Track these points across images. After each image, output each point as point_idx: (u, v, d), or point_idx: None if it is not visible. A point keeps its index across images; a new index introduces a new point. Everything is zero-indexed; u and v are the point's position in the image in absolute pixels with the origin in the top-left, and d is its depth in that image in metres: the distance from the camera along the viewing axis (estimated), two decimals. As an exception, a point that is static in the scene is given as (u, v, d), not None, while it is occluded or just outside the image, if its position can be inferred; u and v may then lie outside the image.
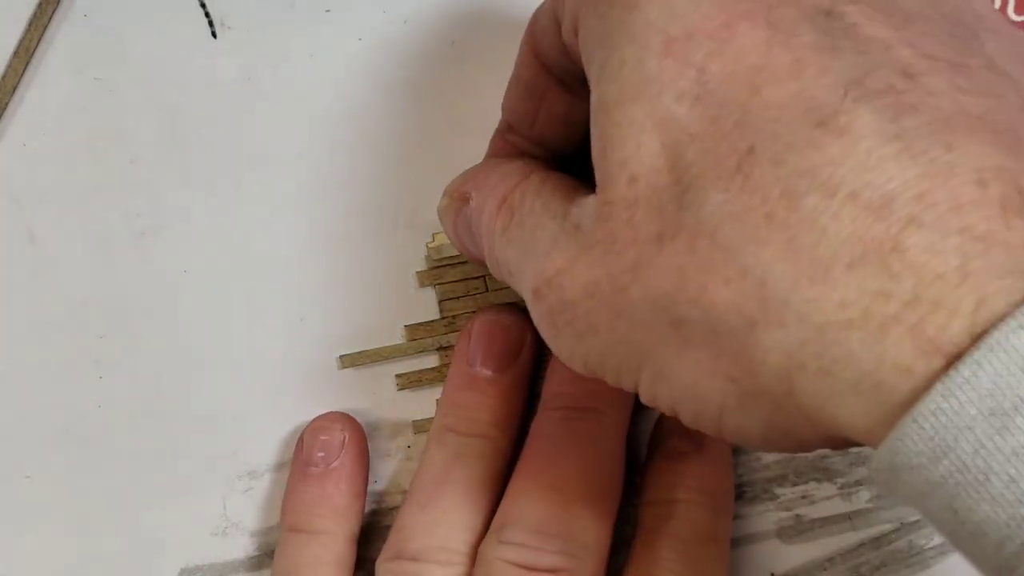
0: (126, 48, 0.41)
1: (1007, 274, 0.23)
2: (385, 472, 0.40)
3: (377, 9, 0.41)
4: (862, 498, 0.40)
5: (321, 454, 0.39)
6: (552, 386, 0.38)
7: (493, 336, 0.39)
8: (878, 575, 0.39)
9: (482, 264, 0.34)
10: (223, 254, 0.41)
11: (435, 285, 0.40)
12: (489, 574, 0.35)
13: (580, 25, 0.30)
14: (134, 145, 0.41)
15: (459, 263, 0.40)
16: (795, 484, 0.40)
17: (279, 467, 0.40)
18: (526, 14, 0.35)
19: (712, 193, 0.26)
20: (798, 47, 0.26)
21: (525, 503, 0.36)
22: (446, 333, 0.40)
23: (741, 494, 0.40)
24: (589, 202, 0.29)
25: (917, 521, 0.39)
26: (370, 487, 0.40)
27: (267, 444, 0.40)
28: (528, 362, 0.39)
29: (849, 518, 0.40)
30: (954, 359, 0.23)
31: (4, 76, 0.40)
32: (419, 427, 0.40)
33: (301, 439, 0.39)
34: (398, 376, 0.40)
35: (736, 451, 0.39)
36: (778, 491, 0.40)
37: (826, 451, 0.39)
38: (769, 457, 0.40)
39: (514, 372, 0.39)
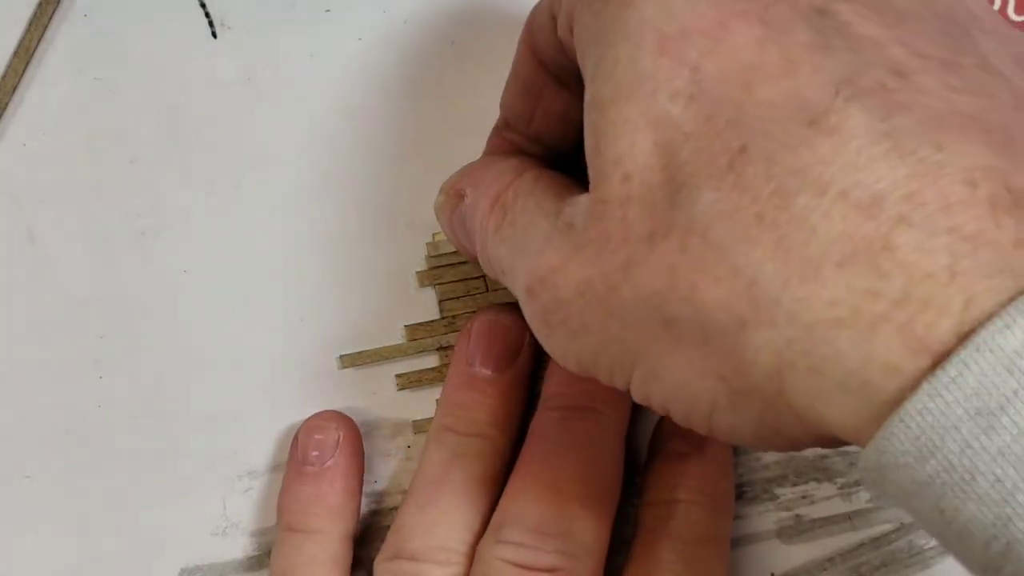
0: (126, 48, 0.41)
1: (996, 273, 0.23)
2: (385, 472, 0.40)
3: (377, 9, 0.41)
4: (862, 498, 0.39)
5: (316, 453, 0.39)
6: (551, 386, 0.38)
7: (492, 336, 0.39)
8: (878, 575, 0.39)
9: (477, 261, 0.34)
10: (223, 254, 0.41)
11: (435, 285, 0.40)
12: (487, 573, 0.35)
13: (575, 22, 0.30)
14: (134, 145, 0.41)
15: (459, 263, 0.40)
16: (795, 484, 0.40)
17: (279, 467, 0.40)
18: (525, 14, 0.35)
19: (704, 192, 0.26)
20: (792, 46, 0.26)
21: (523, 503, 0.36)
22: (446, 333, 0.40)
23: (741, 494, 0.39)
24: (582, 200, 0.29)
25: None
26: (370, 487, 0.40)
27: (267, 444, 0.40)
28: (527, 362, 0.39)
29: (849, 518, 0.39)
30: (941, 358, 0.23)
31: (4, 76, 0.40)
32: (419, 427, 0.40)
33: (296, 438, 0.39)
34: (398, 376, 0.40)
35: (736, 451, 0.39)
36: (778, 491, 0.40)
37: (826, 451, 0.39)
38: (769, 457, 0.40)
39: (513, 372, 0.39)
